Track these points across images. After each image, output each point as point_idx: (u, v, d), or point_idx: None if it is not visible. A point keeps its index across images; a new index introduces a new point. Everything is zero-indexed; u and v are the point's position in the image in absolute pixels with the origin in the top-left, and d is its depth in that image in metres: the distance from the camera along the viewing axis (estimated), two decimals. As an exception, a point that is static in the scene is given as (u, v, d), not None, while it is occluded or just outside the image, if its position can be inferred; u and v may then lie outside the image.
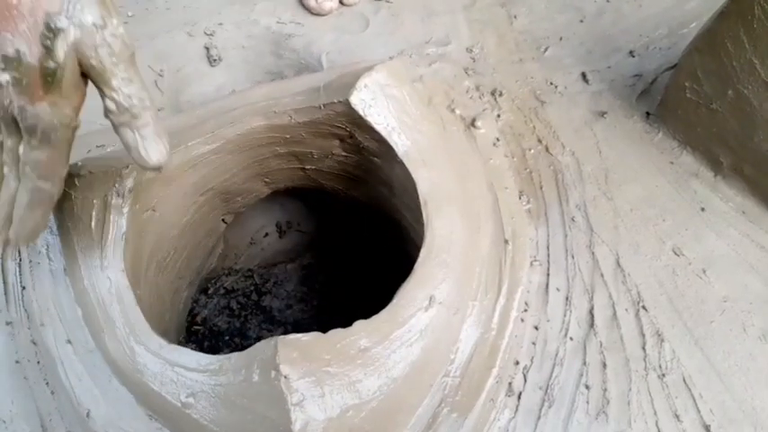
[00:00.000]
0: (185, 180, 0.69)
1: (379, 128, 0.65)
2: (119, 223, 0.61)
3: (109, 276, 0.59)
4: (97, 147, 0.74)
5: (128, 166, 0.62)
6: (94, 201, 0.61)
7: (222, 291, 0.96)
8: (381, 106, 0.66)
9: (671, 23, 0.91)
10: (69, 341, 0.63)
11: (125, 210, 0.61)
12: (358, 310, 1.00)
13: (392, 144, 0.65)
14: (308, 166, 0.78)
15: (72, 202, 0.62)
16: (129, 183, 0.62)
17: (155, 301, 0.69)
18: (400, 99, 0.67)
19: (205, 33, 0.95)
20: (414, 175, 0.64)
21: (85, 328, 0.62)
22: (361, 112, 0.65)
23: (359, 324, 0.54)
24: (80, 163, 0.62)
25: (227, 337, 0.95)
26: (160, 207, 0.67)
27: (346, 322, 1.00)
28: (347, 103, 0.65)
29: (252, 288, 0.99)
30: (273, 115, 0.68)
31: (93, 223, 0.61)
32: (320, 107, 0.67)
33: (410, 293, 0.58)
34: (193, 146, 0.67)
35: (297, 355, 0.50)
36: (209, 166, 0.70)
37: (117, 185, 0.61)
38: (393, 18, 0.93)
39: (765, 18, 0.62)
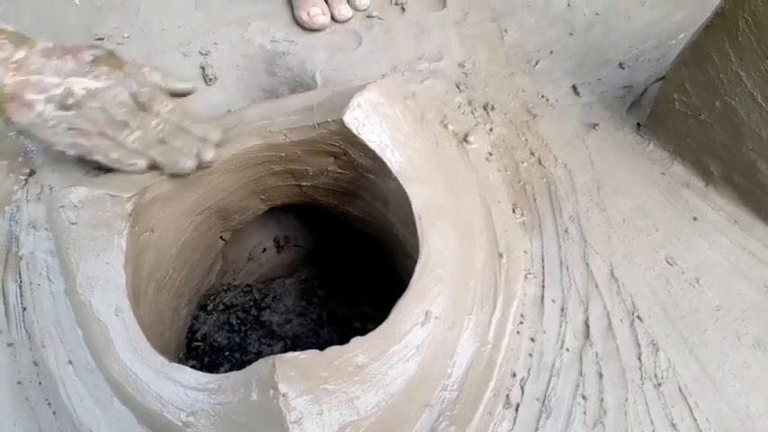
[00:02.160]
0: (182, 200, 0.70)
1: (372, 145, 0.66)
2: (119, 245, 0.62)
3: (109, 298, 0.60)
4: (94, 168, 0.74)
5: (128, 191, 0.63)
6: (94, 224, 0.62)
7: (221, 307, 0.97)
8: (374, 124, 0.67)
9: (660, 35, 0.93)
10: (70, 362, 0.63)
11: (125, 232, 0.62)
12: (358, 322, 1.01)
13: (386, 161, 0.66)
14: (304, 183, 0.79)
15: (72, 225, 0.63)
16: (129, 206, 0.63)
17: (155, 319, 0.70)
18: (393, 117, 0.68)
19: (200, 53, 0.96)
20: (408, 191, 0.65)
21: (86, 349, 0.62)
22: (354, 131, 0.66)
23: (356, 341, 0.55)
24: (80, 187, 0.63)
25: (227, 353, 0.96)
26: (158, 228, 0.68)
27: (346, 335, 1.00)
28: (341, 122, 0.66)
29: (251, 303, 1.00)
30: (269, 135, 0.69)
31: (93, 246, 0.62)
32: (314, 126, 0.68)
33: (406, 309, 0.59)
34: (190, 167, 0.68)
35: (295, 374, 0.50)
36: (205, 185, 0.71)
37: (117, 209, 0.62)
38: (385, 35, 0.94)
39: (750, 31, 0.64)
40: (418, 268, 0.61)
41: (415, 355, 0.57)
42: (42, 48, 0.67)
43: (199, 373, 0.55)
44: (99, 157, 0.68)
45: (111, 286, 0.60)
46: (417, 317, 0.58)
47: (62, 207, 0.62)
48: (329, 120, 0.67)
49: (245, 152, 0.70)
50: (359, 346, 0.54)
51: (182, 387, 0.55)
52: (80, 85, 0.67)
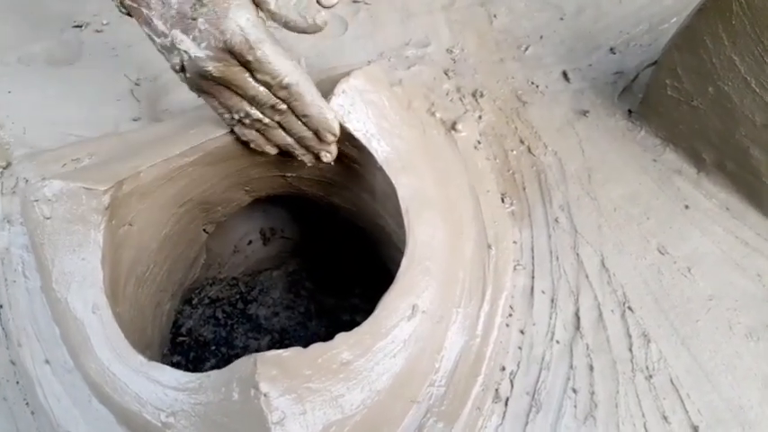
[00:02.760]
0: (163, 193, 0.68)
1: (358, 134, 0.65)
2: (95, 240, 0.60)
3: (86, 294, 0.58)
4: (72, 160, 0.72)
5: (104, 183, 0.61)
6: (70, 218, 0.60)
7: (207, 300, 0.95)
8: (360, 112, 0.65)
9: (651, 19, 0.91)
10: (47, 361, 0.61)
11: (101, 227, 0.60)
12: (346, 314, 1.00)
13: (372, 151, 0.65)
14: (289, 174, 0.77)
15: (47, 220, 0.60)
16: (105, 199, 0.60)
17: (135, 316, 0.68)
18: (379, 104, 0.66)
19: (182, 40, 0.93)
20: (394, 182, 0.64)
21: (63, 347, 0.61)
22: (339, 119, 0.64)
23: (340, 337, 0.53)
24: (54, 180, 0.60)
25: (213, 347, 0.94)
26: (137, 221, 0.66)
27: (334, 327, 0.99)
28: (325, 110, 0.64)
29: (237, 296, 0.98)
30: (250, 125, 0.67)
31: (68, 241, 0.60)
32: (298, 115, 0.66)
33: (392, 303, 0.57)
34: (171, 159, 0.66)
35: (277, 372, 0.49)
36: (186, 177, 0.69)
37: (93, 202, 0.60)
38: (372, 20, 0.92)
39: (744, 14, 0.62)
40: (405, 261, 0.59)
41: (401, 350, 0.55)
42: None
43: (179, 372, 0.53)
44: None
45: (87, 283, 0.58)
46: (404, 311, 0.57)
47: (36, 201, 0.60)
48: (313, 108, 0.65)
49: (227, 144, 0.67)
50: (344, 343, 0.53)
51: (161, 386, 0.53)
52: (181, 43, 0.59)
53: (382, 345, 0.54)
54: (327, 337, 0.54)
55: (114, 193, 0.61)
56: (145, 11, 0.60)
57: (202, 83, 0.61)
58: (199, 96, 0.64)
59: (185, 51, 0.57)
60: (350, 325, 0.86)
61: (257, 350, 0.95)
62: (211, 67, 0.58)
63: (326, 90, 0.65)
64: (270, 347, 0.95)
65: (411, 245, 0.61)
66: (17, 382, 0.64)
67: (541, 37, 0.90)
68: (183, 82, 0.63)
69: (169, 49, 0.59)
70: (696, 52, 0.68)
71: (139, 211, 0.66)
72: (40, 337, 0.62)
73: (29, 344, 0.63)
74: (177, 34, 0.57)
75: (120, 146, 0.72)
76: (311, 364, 0.51)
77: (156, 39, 0.61)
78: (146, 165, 0.65)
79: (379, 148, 0.65)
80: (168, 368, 0.54)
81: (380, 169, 0.65)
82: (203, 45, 0.57)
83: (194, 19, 0.57)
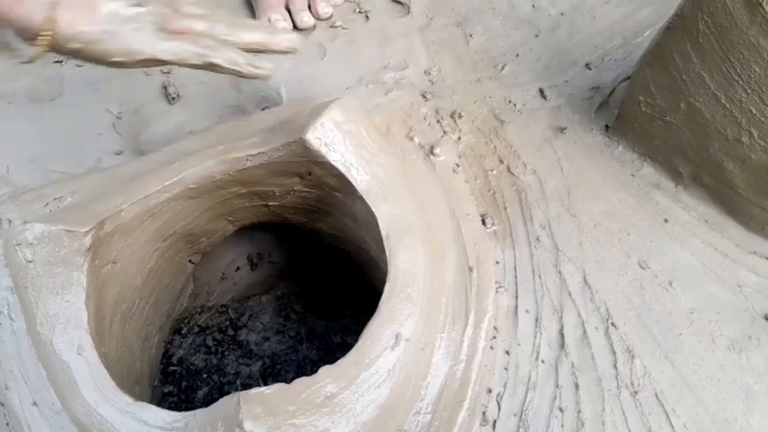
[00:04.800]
0: (145, 229, 0.68)
1: (337, 164, 0.65)
2: (78, 282, 0.60)
3: (71, 336, 0.59)
4: (55, 199, 0.72)
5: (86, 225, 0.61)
6: (52, 261, 0.60)
7: (196, 329, 0.95)
8: (338, 143, 0.65)
9: (625, 33, 0.92)
10: (35, 403, 0.61)
11: (84, 267, 0.61)
12: (337, 336, 1.00)
13: (351, 180, 0.65)
14: (271, 203, 0.77)
15: (30, 263, 0.61)
16: (87, 241, 0.61)
17: (123, 352, 0.68)
18: (356, 134, 0.67)
19: (162, 72, 0.94)
20: (374, 211, 0.64)
21: (51, 389, 0.61)
22: (317, 151, 0.65)
23: (324, 370, 0.53)
24: (35, 224, 0.61)
25: (204, 375, 0.94)
26: (121, 259, 0.66)
27: (325, 350, 0.99)
28: (303, 142, 0.65)
29: (227, 323, 0.98)
30: (231, 159, 0.68)
31: (52, 283, 0.60)
32: (277, 148, 0.67)
33: (376, 332, 0.57)
34: (151, 195, 0.66)
35: (260, 410, 0.49)
36: (169, 212, 0.70)
37: (74, 244, 0.60)
38: (350, 45, 0.93)
39: (710, 32, 0.63)
40: (387, 289, 0.60)
41: (386, 380, 0.56)
42: None
43: (165, 411, 0.54)
44: (216, 59, 0.67)
45: (72, 324, 0.59)
46: (387, 340, 0.57)
47: (18, 245, 0.61)
48: (291, 140, 0.66)
49: (208, 177, 0.68)
50: (327, 376, 0.53)
51: (147, 427, 0.53)
52: None
53: (366, 376, 0.55)
54: (319, 359, 0.55)
55: (96, 233, 0.62)
56: None
57: None
58: None
59: None
60: (341, 347, 0.86)
61: (249, 376, 0.96)
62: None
63: (304, 122, 0.66)
64: (262, 373, 0.96)
65: (393, 273, 0.61)
66: (7, 424, 0.64)
67: (517, 55, 0.91)
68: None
69: None
70: (666, 69, 0.69)
71: (122, 248, 0.67)
72: (27, 378, 0.62)
73: (16, 386, 0.63)
74: None
75: (102, 183, 0.72)
76: (295, 399, 0.51)
77: None
78: (127, 202, 0.65)
79: (358, 177, 0.66)
80: (154, 408, 0.54)
81: (361, 198, 0.65)
82: None
83: None
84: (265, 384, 0.52)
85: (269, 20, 0.96)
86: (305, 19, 0.96)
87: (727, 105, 0.65)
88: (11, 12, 0.58)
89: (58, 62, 0.96)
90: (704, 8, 0.62)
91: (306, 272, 1.02)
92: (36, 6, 0.58)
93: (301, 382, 0.52)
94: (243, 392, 0.50)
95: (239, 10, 1.01)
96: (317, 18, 0.97)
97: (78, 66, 0.96)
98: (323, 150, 0.65)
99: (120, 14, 0.62)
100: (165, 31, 0.65)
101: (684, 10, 0.64)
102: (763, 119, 0.63)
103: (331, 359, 0.56)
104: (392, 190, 0.67)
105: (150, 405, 0.55)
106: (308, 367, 0.95)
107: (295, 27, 0.98)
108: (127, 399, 0.56)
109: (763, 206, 0.70)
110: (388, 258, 0.62)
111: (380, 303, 0.59)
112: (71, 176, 0.77)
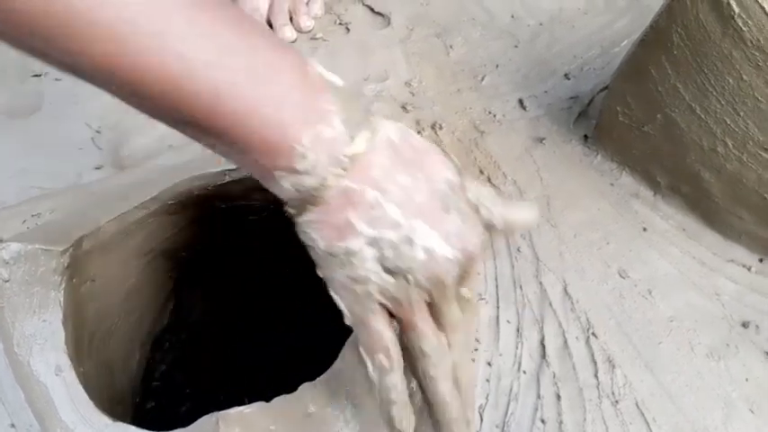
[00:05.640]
0: (124, 246, 0.68)
1: (316, 179, 0.65)
2: (56, 301, 0.60)
3: (48, 357, 0.58)
4: (33, 216, 0.72)
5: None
6: (29, 280, 0.60)
7: (178, 344, 0.95)
8: (316, 157, 0.66)
9: (603, 43, 0.93)
10: (13, 425, 0.61)
11: (62, 287, 0.60)
12: (323, 346, 1.00)
13: (330, 194, 0.65)
14: (252, 216, 0.77)
15: (6, 283, 0.60)
16: (65, 259, 0.61)
17: (103, 371, 0.68)
18: (335, 148, 0.67)
19: (142, 85, 0.94)
20: (355, 225, 0.64)
21: (29, 410, 0.60)
22: (296, 165, 0.65)
23: (304, 387, 0.53)
24: (11, 243, 0.60)
25: (187, 390, 0.94)
26: (100, 276, 0.66)
27: (311, 362, 0.98)
28: (282, 157, 0.65)
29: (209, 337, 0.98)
30: (210, 175, 0.68)
31: (29, 303, 0.60)
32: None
33: (356, 347, 0.57)
34: (130, 212, 0.66)
35: (239, 430, 0.49)
36: (148, 228, 0.69)
37: (52, 263, 0.60)
38: (330, 57, 0.93)
39: (684, 44, 0.64)
40: (367, 304, 0.60)
41: (367, 395, 0.56)
42: (388, 138, 0.44)
43: (143, 431, 0.53)
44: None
45: (49, 345, 0.58)
46: (368, 355, 0.57)
47: (-6, 265, 0.60)
48: (270, 155, 0.66)
49: (186, 193, 0.68)
50: (307, 393, 0.53)
51: (127, 448, 0.53)
52: (426, 239, 0.43)
53: (347, 391, 0.55)
54: (304, 371, 0.54)
55: (73, 251, 0.62)
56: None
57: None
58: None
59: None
60: (326, 359, 0.86)
61: (233, 390, 0.95)
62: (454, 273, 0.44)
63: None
64: (246, 387, 0.95)
65: (373, 287, 0.61)
66: (-15, 447, 0.63)
67: (497, 66, 0.92)
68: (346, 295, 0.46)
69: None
70: (642, 81, 0.70)
71: (101, 266, 0.66)
72: (5, 400, 0.62)
73: (-7, 408, 0.62)
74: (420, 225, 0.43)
75: (81, 199, 0.72)
76: (275, 418, 0.51)
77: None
78: (105, 219, 0.65)
79: (337, 190, 0.66)
80: (133, 428, 0.54)
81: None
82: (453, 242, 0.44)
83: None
84: (249, 399, 0.53)
85: None
86: (288, 34, 0.96)
87: (703, 116, 0.66)
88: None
89: (36, 76, 0.95)
90: (678, 21, 0.62)
91: (290, 285, 1.01)
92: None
93: (281, 400, 0.52)
94: (222, 412, 0.50)
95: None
96: (299, 31, 0.97)
97: (57, 79, 0.95)
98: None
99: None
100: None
101: (659, 23, 0.65)
102: (737, 129, 0.64)
103: (316, 371, 0.56)
104: (372, 203, 0.67)
105: (129, 426, 0.54)
106: (292, 381, 0.95)
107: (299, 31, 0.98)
108: (105, 419, 0.55)
109: (739, 215, 0.71)
110: (368, 273, 0.62)
111: (361, 318, 0.59)
112: (50, 193, 0.76)
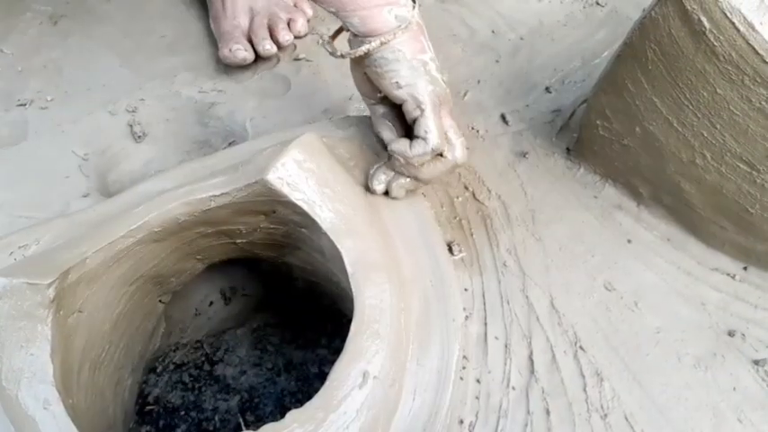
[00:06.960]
0: (111, 275, 0.68)
1: (300, 203, 0.66)
2: (43, 335, 0.60)
3: (36, 391, 0.58)
4: (20, 247, 0.72)
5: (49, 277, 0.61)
6: (15, 314, 0.60)
7: (171, 366, 0.94)
8: (300, 182, 0.66)
9: (583, 54, 0.94)
10: (3, 459, 0.61)
11: (48, 320, 0.60)
12: (315, 366, 1.00)
13: (315, 218, 0.66)
14: (239, 240, 0.77)
15: (-8, 317, 0.60)
16: (51, 293, 0.61)
17: (94, 400, 0.68)
18: (318, 172, 0.67)
19: (127, 110, 0.94)
20: (339, 247, 0.65)
21: (19, 444, 0.60)
22: (280, 191, 0.65)
23: (291, 415, 0.54)
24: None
25: (182, 413, 0.93)
26: (87, 307, 0.66)
27: (303, 381, 0.98)
28: (265, 183, 0.65)
29: (203, 359, 0.97)
30: (195, 201, 0.68)
31: (16, 337, 0.60)
32: (240, 188, 0.67)
33: (343, 372, 0.58)
34: (115, 241, 0.66)
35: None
36: (134, 256, 0.69)
37: (37, 297, 0.60)
38: (314, 77, 0.94)
39: (659, 60, 0.65)
40: (353, 327, 0.60)
41: (354, 420, 0.56)
42: None
43: (133, 463, 0.53)
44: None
45: (37, 378, 0.58)
46: (355, 379, 0.58)
47: (-20, 300, 0.60)
48: (253, 180, 0.66)
49: (172, 220, 0.68)
50: (295, 421, 0.53)
51: (116, 481, 0.53)
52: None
53: (334, 418, 0.55)
54: (297, 391, 0.55)
55: (60, 284, 0.62)
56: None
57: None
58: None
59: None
60: (319, 377, 0.86)
61: (227, 411, 0.95)
62: None
63: (265, 162, 0.66)
64: (240, 407, 0.95)
65: (359, 310, 0.62)
66: (-24, 481, 0.63)
67: (479, 81, 0.92)
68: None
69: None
70: (620, 95, 0.70)
71: (88, 296, 0.66)
72: (-6, 434, 0.62)
73: (-17, 442, 0.62)
74: None
75: (67, 229, 0.72)
76: (263, 447, 0.51)
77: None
78: (91, 250, 0.65)
79: (322, 214, 0.66)
80: (122, 459, 0.54)
81: (325, 234, 0.66)
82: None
83: None
84: (243, 419, 0.53)
85: (230, 50, 0.96)
86: (267, 47, 0.96)
87: (680, 129, 0.67)
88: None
89: (21, 105, 0.96)
90: (651, 37, 0.63)
91: (280, 303, 1.01)
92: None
93: (269, 428, 0.52)
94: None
95: (206, 56, 1.01)
96: (279, 46, 0.98)
97: (42, 108, 0.96)
98: (285, 190, 0.65)
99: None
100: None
101: (633, 39, 0.65)
102: (714, 142, 0.65)
103: (309, 390, 0.56)
104: (357, 225, 0.67)
105: (118, 457, 0.54)
106: (286, 399, 0.95)
107: (258, 57, 0.98)
108: (95, 452, 0.55)
109: (721, 224, 0.71)
110: (354, 296, 0.62)
111: (347, 342, 0.59)
112: (36, 223, 0.76)
